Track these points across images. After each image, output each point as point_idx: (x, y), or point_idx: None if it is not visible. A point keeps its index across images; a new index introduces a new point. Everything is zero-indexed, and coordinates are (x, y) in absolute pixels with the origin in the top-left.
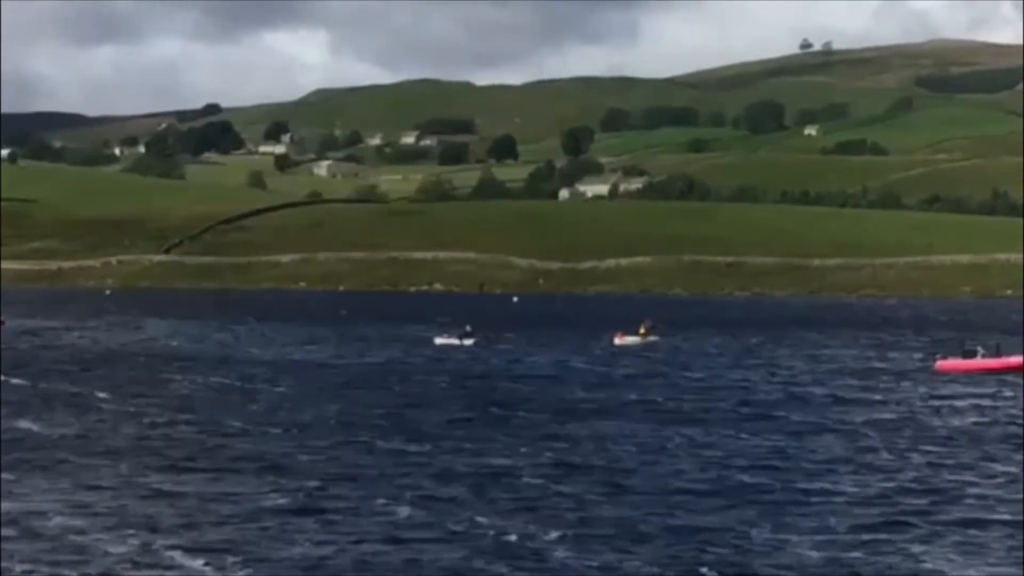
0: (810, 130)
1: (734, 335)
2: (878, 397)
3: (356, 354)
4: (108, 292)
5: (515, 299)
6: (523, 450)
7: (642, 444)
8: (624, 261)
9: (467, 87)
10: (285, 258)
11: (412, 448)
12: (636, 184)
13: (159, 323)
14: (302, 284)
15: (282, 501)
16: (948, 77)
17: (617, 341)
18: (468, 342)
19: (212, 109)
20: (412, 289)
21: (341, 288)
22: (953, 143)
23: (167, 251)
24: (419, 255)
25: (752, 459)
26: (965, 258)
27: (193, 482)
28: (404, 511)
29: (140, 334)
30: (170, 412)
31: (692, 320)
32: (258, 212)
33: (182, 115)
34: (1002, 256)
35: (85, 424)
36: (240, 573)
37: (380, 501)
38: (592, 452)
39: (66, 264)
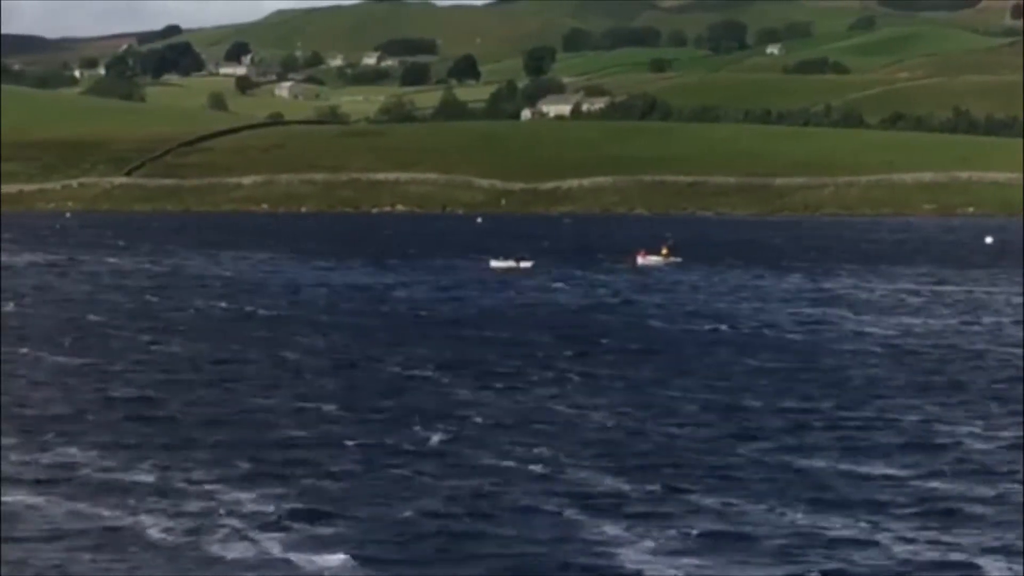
0: (772, 49)
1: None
2: None
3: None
4: (68, 215)
5: (479, 220)
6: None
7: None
8: (586, 181)
9: (428, 7)
10: (246, 180)
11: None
12: (598, 104)
13: (166, 250)
14: (264, 206)
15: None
16: None
17: (640, 261)
18: (525, 265)
19: (172, 30)
20: (374, 210)
21: (303, 209)
22: (914, 61)
23: (127, 174)
24: (381, 176)
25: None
26: (926, 176)
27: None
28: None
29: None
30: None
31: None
32: (219, 134)
33: (142, 36)
34: (963, 174)
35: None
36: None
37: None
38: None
39: (27, 187)
